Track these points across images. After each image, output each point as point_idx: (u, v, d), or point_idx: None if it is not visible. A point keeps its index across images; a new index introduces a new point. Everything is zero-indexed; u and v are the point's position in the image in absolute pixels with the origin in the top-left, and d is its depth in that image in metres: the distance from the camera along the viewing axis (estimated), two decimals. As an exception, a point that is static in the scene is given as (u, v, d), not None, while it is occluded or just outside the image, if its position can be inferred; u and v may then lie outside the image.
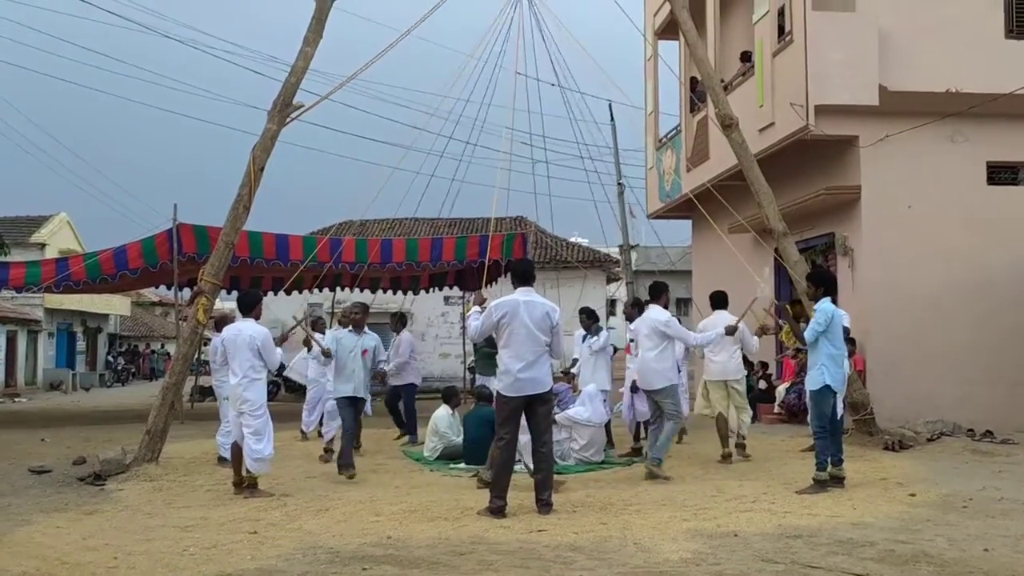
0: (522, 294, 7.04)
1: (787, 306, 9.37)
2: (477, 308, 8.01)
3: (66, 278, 15.40)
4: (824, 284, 8.12)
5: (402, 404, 12.02)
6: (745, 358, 10.45)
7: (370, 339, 9.50)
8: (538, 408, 6.97)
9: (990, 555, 5.31)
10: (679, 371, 10.82)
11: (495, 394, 7.18)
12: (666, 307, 9.16)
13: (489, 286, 16.96)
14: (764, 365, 14.91)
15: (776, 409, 13.78)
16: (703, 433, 11.15)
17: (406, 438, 11.75)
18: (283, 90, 10.20)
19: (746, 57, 15.52)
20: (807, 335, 7.77)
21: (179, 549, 5.76)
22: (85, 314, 35.52)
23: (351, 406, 9.18)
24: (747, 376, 10.48)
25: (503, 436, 6.91)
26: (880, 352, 12.56)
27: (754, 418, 14.20)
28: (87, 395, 28.58)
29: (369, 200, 11.86)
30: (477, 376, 12.62)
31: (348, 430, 9.10)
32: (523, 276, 7.23)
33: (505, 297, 7.11)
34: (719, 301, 9.92)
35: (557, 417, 9.51)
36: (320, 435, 12.37)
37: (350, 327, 9.58)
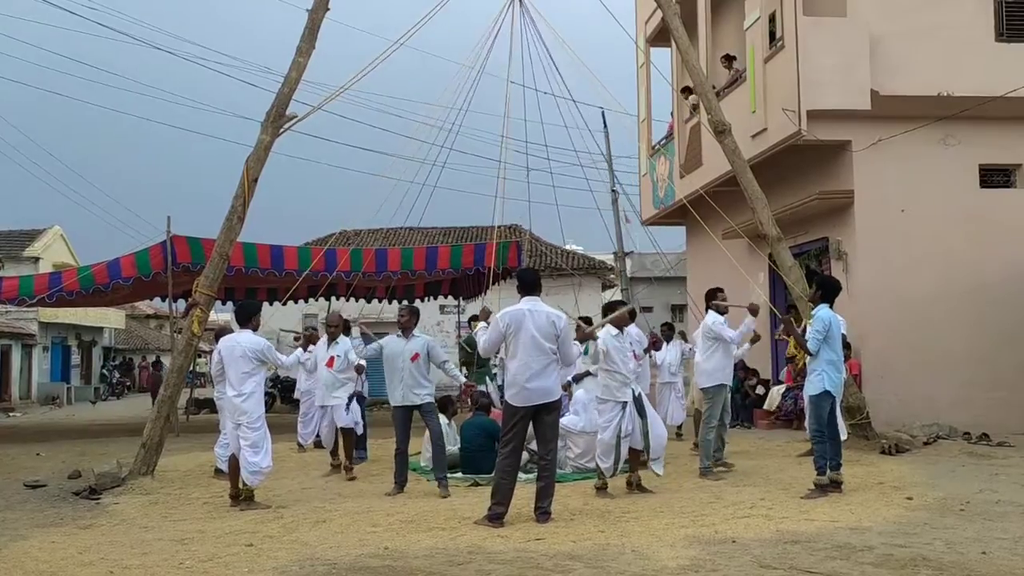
0: (527, 303, 7.00)
1: (790, 319, 9.35)
2: (484, 324, 8.00)
3: (59, 290, 15.36)
4: (824, 290, 8.13)
5: None
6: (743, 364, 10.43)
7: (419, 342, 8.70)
8: (544, 417, 6.94)
9: (988, 558, 5.31)
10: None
11: (503, 403, 7.13)
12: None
13: (484, 294, 16.98)
14: (756, 372, 14.93)
15: (767, 406, 13.80)
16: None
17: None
18: (276, 101, 10.20)
19: (728, 59, 15.59)
20: (810, 345, 7.76)
21: (175, 563, 5.73)
22: (79, 327, 35.41)
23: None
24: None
25: (507, 443, 6.89)
26: (876, 356, 12.58)
27: (750, 424, 14.29)
28: (84, 409, 28.43)
29: (364, 212, 11.88)
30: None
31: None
32: (529, 285, 7.19)
33: (510, 308, 7.08)
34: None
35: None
36: (316, 446, 12.35)
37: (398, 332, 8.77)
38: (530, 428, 7.09)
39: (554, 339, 6.91)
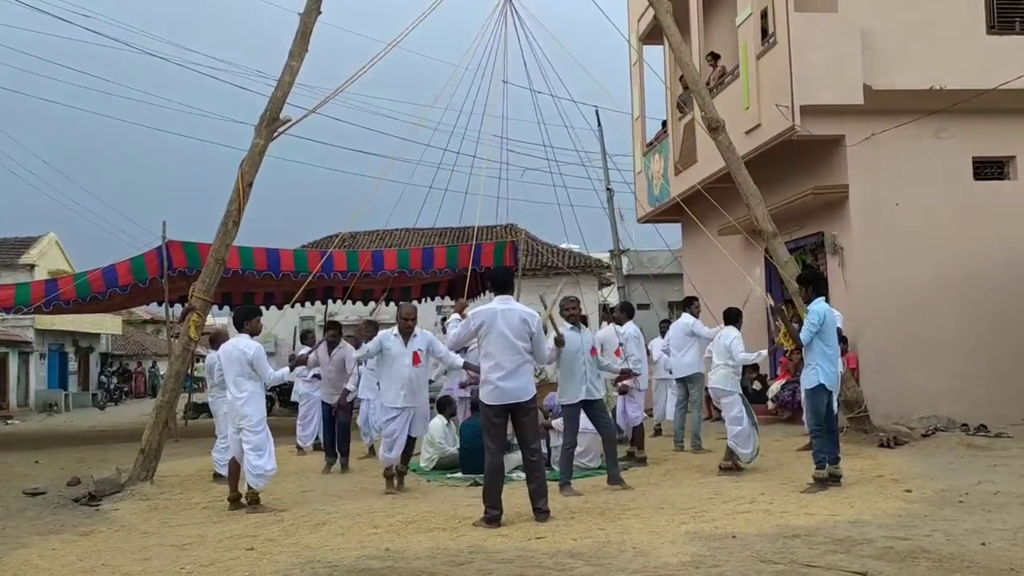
0: (500, 302, 7.01)
1: (782, 308, 9.41)
2: (457, 316, 8.00)
3: (56, 298, 15.34)
4: (813, 284, 8.17)
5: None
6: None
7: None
8: (521, 418, 6.93)
9: (988, 549, 5.33)
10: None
11: (480, 404, 7.15)
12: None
13: (483, 294, 16.98)
14: (755, 367, 14.92)
15: (769, 406, 13.80)
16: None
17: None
18: (270, 104, 10.19)
19: (714, 57, 15.64)
20: (803, 336, 7.80)
21: (176, 568, 5.73)
22: (76, 334, 35.33)
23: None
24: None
25: (489, 445, 6.90)
26: (872, 349, 12.60)
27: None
28: (84, 416, 28.35)
29: (358, 212, 11.88)
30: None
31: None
32: (501, 284, 7.23)
33: (482, 307, 7.09)
34: (733, 318, 9.83)
35: (554, 423, 9.51)
36: (315, 449, 12.35)
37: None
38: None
39: (527, 338, 6.90)
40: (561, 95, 14.00)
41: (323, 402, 11.05)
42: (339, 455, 10.59)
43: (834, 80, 12.24)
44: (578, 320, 8.53)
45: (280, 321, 22.33)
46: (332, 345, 10.75)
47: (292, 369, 9.28)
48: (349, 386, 10.41)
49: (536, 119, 13.10)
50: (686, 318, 11.22)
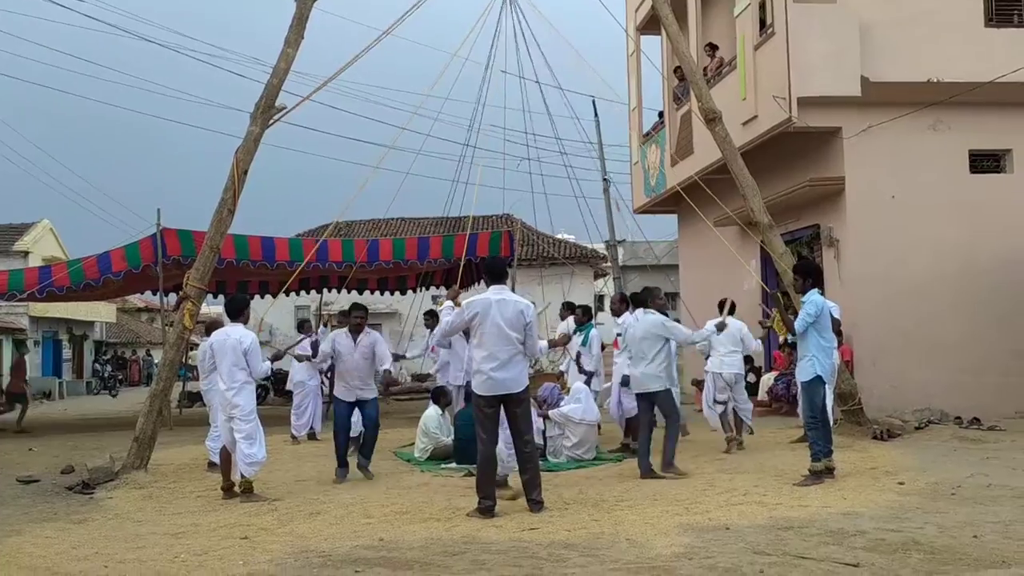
0: (494, 292, 6.97)
1: (778, 295, 9.45)
2: (450, 303, 7.93)
3: (49, 285, 15.28)
4: (810, 275, 8.16)
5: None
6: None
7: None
8: (514, 409, 6.89)
9: (980, 541, 5.34)
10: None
11: (472, 394, 7.11)
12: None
13: (477, 284, 16.95)
14: (749, 359, 14.92)
15: (761, 396, 13.82)
16: (693, 428, 11.20)
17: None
18: (265, 92, 10.13)
19: (712, 48, 15.60)
20: (798, 325, 7.79)
21: (170, 556, 5.72)
22: (71, 321, 35.24)
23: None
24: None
25: (481, 436, 6.88)
26: (867, 342, 12.62)
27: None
28: (79, 403, 28.30)
29: (352, 200, 11.83)
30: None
31: None
32: (495, 274, 7.17)
33: (477, 296, 7.05)
34: (731, 309, 9.95)
35: (551, 413, 9.52)
36: (309, 438, 12.34)
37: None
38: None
39: (522, 330, 6.84)
40: (556, 86, 13.94)
41: (338, 398, 9.14)
42: (360, 456, 8.98)
43: (832, 72, 12.23)
44: (667, 311, 8.84)
45: (273, 309, 22.29)
46: (357, 331, 8.85)
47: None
48: (391, 367, 8.92)
49: (531, 109, 13.05)
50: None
